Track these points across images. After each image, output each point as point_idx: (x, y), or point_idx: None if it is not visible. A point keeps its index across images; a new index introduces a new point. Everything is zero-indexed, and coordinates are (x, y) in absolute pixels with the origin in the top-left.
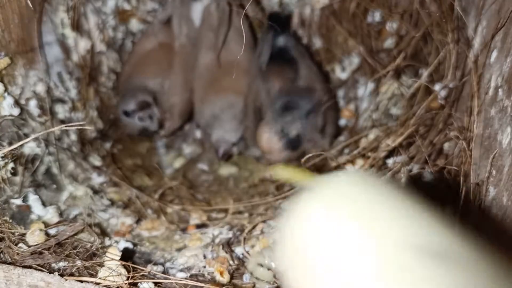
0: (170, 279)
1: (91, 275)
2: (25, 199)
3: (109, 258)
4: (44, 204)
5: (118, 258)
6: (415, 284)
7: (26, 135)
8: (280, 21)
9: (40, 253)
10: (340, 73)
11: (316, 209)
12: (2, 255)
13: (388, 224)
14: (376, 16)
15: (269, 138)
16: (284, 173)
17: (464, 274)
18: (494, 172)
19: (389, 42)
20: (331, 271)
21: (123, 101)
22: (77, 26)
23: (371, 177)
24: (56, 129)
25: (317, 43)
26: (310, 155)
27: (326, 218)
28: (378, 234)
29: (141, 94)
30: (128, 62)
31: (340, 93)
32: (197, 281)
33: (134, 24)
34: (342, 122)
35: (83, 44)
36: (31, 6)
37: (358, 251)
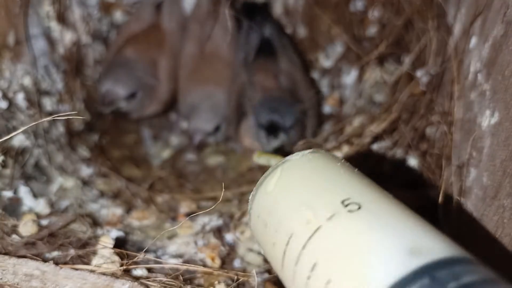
0: (162, 264)
1: (85, 264)
2: (16, 191)
3: (102, 246)
4: (35, 196)
5: (111, 246)
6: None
7: (15, 128)
8: (256, 11)
9: (34, 243)
10: (324, 62)
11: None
12: None
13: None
14: (358, 4)
15: (252, 143)
16: (261, 159)
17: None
18: (474, 153)
19: (371, 31)
20: (280, 224)
21: (109, 82)
22: (62, 19)
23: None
24: (46, 120)
25: (301, 32)
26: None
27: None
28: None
29: (130, 81)
30: (117, 39)
31: (324, 81)
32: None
33: (119, 16)
34: (327, 109)
35: (69, 37)
36: None
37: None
